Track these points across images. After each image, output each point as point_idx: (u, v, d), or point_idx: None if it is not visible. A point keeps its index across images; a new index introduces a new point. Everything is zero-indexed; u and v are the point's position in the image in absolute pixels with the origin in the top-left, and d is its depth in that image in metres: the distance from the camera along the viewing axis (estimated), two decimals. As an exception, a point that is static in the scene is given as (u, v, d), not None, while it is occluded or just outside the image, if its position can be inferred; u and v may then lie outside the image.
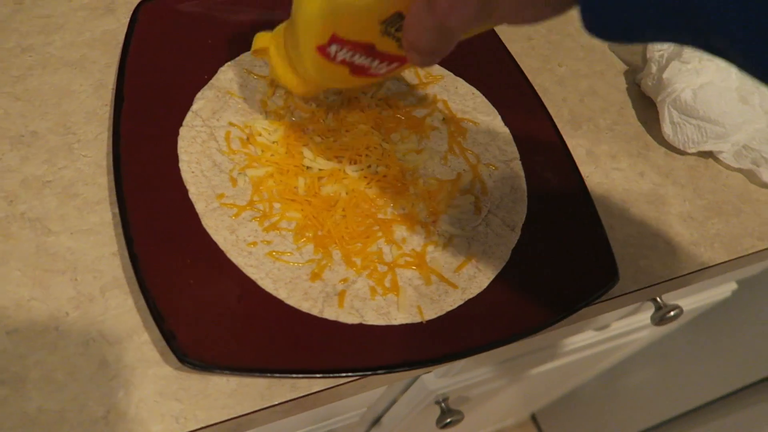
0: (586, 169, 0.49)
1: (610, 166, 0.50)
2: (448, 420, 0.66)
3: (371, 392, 0.56)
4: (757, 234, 0.50)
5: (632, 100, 0.55)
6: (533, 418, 1.53)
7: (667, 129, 0.51)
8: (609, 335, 0.75)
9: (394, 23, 0.30)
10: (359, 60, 0.33)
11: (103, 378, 0.33)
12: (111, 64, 0.44)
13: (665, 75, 0.51)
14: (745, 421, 0.89)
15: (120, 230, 0.36)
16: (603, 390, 1.18)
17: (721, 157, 0.52)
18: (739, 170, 0.53)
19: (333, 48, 0.32)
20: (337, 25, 0.31)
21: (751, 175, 0.52)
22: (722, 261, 0.47)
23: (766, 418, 0.87)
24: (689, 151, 0.51)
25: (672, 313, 0.61)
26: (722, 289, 0.79)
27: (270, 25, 0.47)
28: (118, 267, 0.36)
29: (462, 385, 0.66)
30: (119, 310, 0.35)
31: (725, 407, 0.93)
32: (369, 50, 0.32)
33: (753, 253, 0.49)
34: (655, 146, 0.52)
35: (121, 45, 0.42)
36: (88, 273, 0.35)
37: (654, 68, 0.53)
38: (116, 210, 0.37)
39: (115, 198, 0.37)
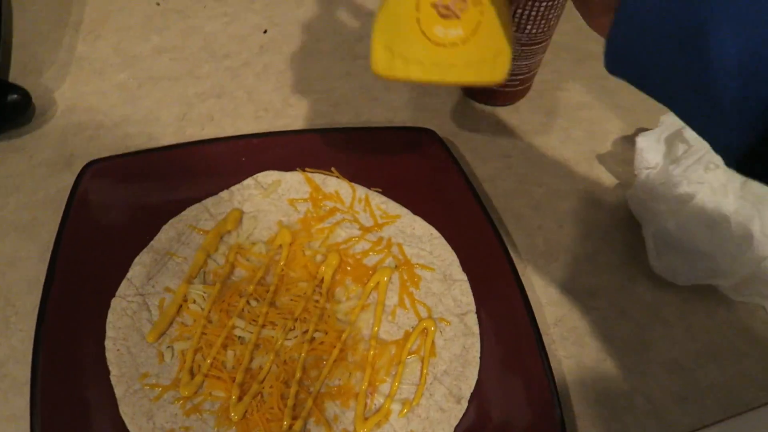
0: (557, 312, 0.44)
1: (587, 305, 0.45)
2: None
3: None
4: (760, 383, 0.43)
5: (619, 221, 0.50)
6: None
7: (653, 260, 0.46)
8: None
9: None
10: None
11: None
12: (60, 224, 0.44)
13: (650, 199, 0.46)
14: None
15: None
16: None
17: (720, 288, 0.46)
18: (743, 303, 0.47)
19: None
20: None
21: (757, 310, 0.46)
22: (715, 421, 0.42)
23: None
24: (680, 284, 0.46)
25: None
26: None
27: (211, 186, 0.46)
28: (37, 458, 0.35)
29: None
30: (32, 507, 0.34)
31: None
32: None
33: (755, 408, 0.43)
34: (642, 278, 0.47)
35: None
36: (3, 468, 0.35)
37: (639, 190, 0.48)
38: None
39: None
